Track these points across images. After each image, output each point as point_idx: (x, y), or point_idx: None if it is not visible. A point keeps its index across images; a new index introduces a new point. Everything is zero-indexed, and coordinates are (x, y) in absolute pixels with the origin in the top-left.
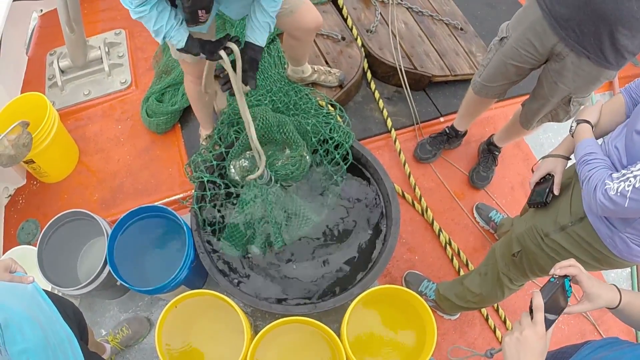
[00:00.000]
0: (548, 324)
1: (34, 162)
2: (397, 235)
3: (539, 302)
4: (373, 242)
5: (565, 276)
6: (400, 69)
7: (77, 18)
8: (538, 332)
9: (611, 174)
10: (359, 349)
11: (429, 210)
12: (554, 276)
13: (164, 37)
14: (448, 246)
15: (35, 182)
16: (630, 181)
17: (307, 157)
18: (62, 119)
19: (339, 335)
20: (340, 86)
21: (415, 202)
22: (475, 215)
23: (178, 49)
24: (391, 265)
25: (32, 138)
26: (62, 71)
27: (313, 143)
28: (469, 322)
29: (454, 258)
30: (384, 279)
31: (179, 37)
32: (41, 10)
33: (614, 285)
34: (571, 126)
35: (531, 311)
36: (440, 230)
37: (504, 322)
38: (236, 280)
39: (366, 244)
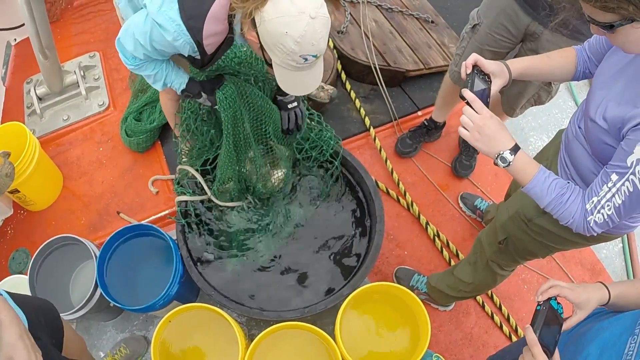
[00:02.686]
0: (553, 346)
1: (18, 192)
2: (383, 233)
3: (531, 338)
4: (359, 241)
5: (550, 298)
6: (375, 67)
7: (50, 44)
8: None
9: (585, 208)
10: (354, 348)
11: (414, 204)
12: (539, 303)
13: (164, 84)
14: (437, 238)
15: (22, 211)
16: (605, 209)
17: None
18: (43, 146)
19: (333, 337)
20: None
21: (400, 198)
22: (461, 205)
23: (181, 93)
24: (381, 262)
25: (14, 168)
26: (39, 98)
27: (303, 149)
28: (464, 312)
29: (444, 249)
30: (374, 277)
31: (180, 79)
32: (15, 40)
33: (600, 282)
34: (504, 158)
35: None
36: (427, 223)
37: (500, 308)
38: (227, 291)
39: (353, 244)
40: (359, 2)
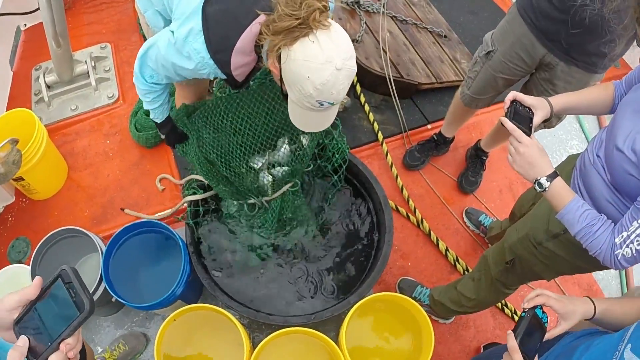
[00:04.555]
0: (533, 353)
1: (23, 180)
2: (391, 243)
3: (512, 345)
4: (367, 251)
5: (535, 306)
6: (389, 78)
7: (64, 32)
8: None
9: (614, 242)
10: (357, 357)
11: (420, 216)
12: (524, 310)
13: (152, 110)
14: (447, 252)
15: (24, 200)
16: (634, 244)
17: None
18: (49, 135)
19: (337, 343)
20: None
21: (406, 210)
22: (465, 219)
23: (156, 123)
24: (384, 272)
25: (21, 155)
26: (48, 86)
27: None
28: (464, 325)
29: (457, 264)
30: (377, 287)
31: (162, 114)
32: (25, 25)
33: (587, 297)
34: (540, 183)
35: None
36: (429, 230)
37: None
38: (233, 293)
39: (360, 253)
40: (374, 12)
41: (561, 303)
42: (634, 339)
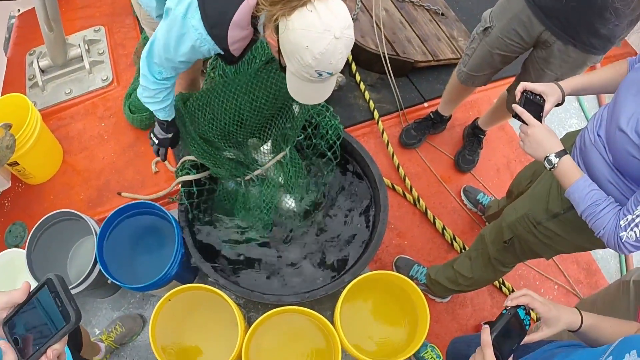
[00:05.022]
0: (507, 353)
1: (18, 164)
2: (386, 221)
3: (485, 339)
4: (362, 229)
5: (519, 306)
6: (384, 56)
7: (56, 16)
8: None
9: (619, 224)
10: (352, 335)
11: (416, 195)
12: (507, 307)
13: (159, 109)
14: (444, 231)
15: (20, 184)
16: (639, 227)
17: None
18: (44, 119)
19: (332, 323)
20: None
21: (403, 189)
22: (463, 198)
23: (159, 120)
24: (381, 250)
25: (15, 140)
26: (42, 71)
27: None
28: (461, 304)
29: (454, 243)
30: (374, 265)
31: (171, 111)
32: (19, 10)
33: (577, 309)
34: (549, 160)
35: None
36: (426, 209)
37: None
38: (227, 273)
39: (355, 231)
40: None
41: (545, 307)
42: (615, 353)
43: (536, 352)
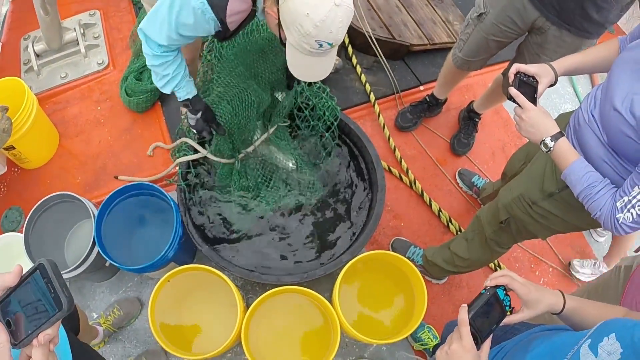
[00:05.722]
0: (486, 335)
1: (14, 148)
2: (383, 202)
3: (462, 317)
4: (359, 210)
5: (498, 286)
6: (372, 39)
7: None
8: (465, 346)
9: (615, 205)
10: (351, 315)
11: (412, 177)
12: (486, 287)
13: (175, 86)
14: (440, 213)
15: (16, 169)
16: (635, 208)
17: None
18: (40, 103)
19: (331, 304)
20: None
21: (399, 171)
22: (458, 180)
23: (183, 102)
24: (377, 232)
25: (11, 123)
26: (37, 55)
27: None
28: (457, 285)
29: (450, 225)
30: (370, 247)
31: (189, 88)
32: None
33: (560, 291)
34: (545, 143)
35: None
36: (422, 191)
37: None
38: (226, 254)
39: (353, 212)
40: None
41: (525, 288)
42: (594, 336)
43: (520, 335)
